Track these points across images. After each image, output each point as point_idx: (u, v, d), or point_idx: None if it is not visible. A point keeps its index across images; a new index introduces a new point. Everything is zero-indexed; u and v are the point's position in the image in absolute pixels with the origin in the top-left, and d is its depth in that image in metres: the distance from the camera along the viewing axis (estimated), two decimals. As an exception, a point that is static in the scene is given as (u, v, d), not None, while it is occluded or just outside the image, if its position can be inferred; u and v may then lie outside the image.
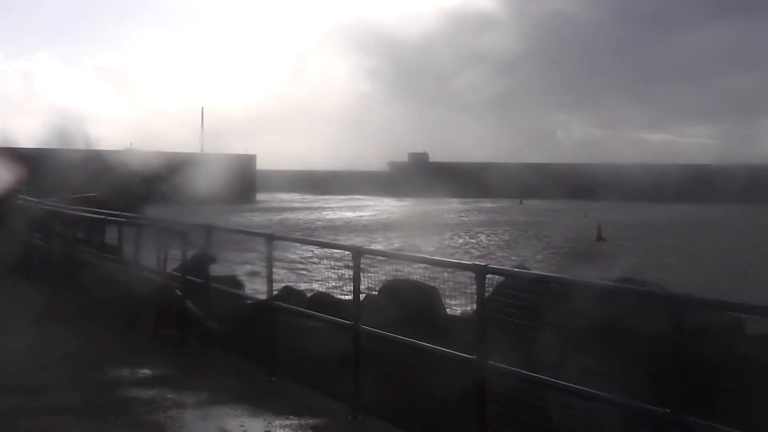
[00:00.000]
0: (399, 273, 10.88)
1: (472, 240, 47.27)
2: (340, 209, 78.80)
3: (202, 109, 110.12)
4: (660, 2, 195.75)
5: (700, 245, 40.94)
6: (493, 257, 35.66)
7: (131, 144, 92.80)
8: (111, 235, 15.51)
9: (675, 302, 6.05)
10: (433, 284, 11.42)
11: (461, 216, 69.52)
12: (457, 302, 10.18)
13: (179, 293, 12.02)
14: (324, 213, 71.83)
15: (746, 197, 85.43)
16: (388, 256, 11.00)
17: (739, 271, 29.28)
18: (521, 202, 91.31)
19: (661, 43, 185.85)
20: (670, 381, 5.99)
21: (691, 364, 6.35)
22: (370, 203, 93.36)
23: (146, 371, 10.42)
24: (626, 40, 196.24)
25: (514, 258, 35.09)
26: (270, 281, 10.65)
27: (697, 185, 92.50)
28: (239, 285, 15.80)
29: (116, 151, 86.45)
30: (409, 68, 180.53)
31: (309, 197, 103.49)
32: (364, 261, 9.15)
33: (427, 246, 39.58)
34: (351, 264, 9.05)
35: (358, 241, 38.62)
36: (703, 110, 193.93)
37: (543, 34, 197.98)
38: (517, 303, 8.40)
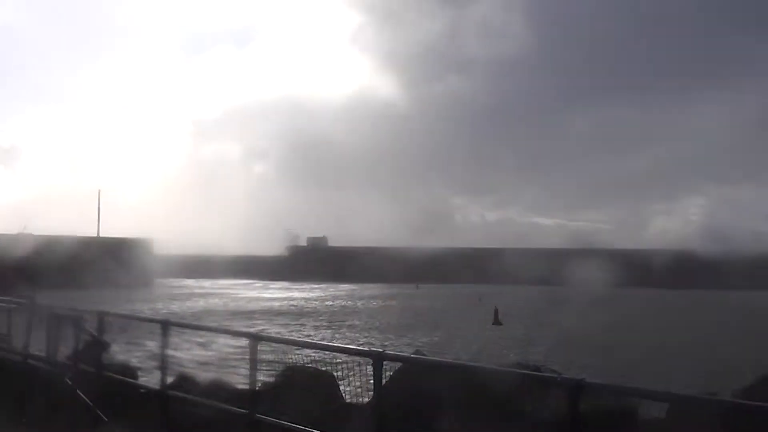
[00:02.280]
0: (296, 359, 10.79)
1: (368, 326, 47.20)
2: (238, 294, 77.85)
3: (99, 191, 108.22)
4: (549, 84, 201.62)
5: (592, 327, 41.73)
6: (391, 343, 35.55)
7: (24, 227, 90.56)
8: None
9: (568, 386, 6.15)
10: (331, 371, 11.36)
11: (358, 300, 69.34)
12: (355, 389, 10.13)
13: (70, 382, 11.69)
14: (222, 298, 70.82)
15: (639, 280, 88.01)
16: (285, 342, 10.94)
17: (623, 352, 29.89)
18: (417, 287, 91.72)
19: (556, 126, 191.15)
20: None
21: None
22: (269, 288, 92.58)
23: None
24: (521, 122, 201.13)
25: (411, 344, 35.13)
26: (165, 368, 10.45)
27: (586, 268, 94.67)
28: (133, 373, 15.41)
29: (9, 235, 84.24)
30: (307, 151, 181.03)
31: (206, 282, 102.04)
32: (261, 347, 9.06)
33: (327, 333, 39.47)
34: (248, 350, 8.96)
35: (255, 326, 38.20)
36: (593, 194, 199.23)
37: (440, 118, 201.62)
38: (414, 389, 8.40)
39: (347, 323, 46.53)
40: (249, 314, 51.03)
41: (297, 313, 53.17)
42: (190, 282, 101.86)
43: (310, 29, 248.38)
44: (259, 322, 44.54)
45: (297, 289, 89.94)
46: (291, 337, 19.36)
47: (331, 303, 65.45)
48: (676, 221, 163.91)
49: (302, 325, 44.45)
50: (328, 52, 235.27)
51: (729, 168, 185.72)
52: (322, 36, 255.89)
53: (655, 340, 35.16)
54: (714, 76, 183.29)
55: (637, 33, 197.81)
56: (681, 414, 10.55)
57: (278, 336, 14.91)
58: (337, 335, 39.03)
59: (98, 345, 11.78)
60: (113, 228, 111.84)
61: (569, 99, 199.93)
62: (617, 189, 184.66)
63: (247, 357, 9.24)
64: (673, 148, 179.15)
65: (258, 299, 70.54)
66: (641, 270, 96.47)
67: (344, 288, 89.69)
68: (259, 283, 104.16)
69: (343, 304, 64.29)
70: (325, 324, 45.39)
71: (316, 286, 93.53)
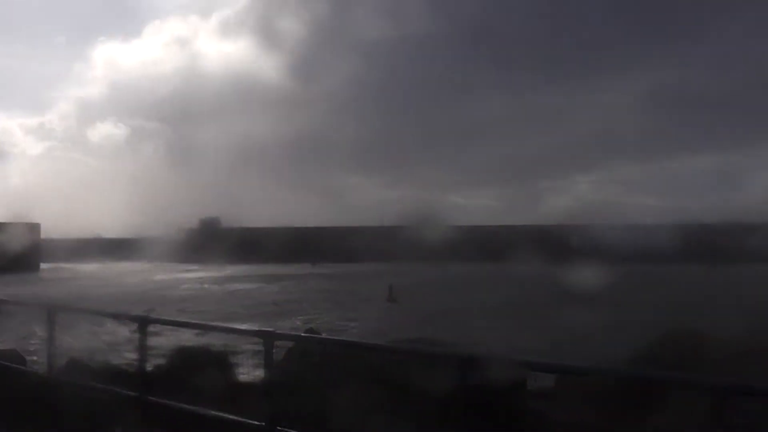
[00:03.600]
0: (187, 341, 10.68)
1: (264, 306, 46.93)
2: (129, 276, 76.53)
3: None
4: (450, 65, 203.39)
5: (487, 302, 42.41)
6: (287, 322, 35.45)
7: None
8: None
9: (457, 360, 6.22)
10: (224, 351, 11.26)
11: (253, 281, 68.89)
12: (249, 368, 10.04)
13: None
14: (112, 281, 69.49)
15: (532, 256, 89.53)
16: (175, 324, 10.80)
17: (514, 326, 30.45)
18: (313, 265, 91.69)
19: (453, 106, 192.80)
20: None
21: (478, 420, 6.52)
22: (162, 270, 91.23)
23: None
24: (417, 102, 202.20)
25: (305, 322, 35.10)
26: (52, 354, 10.22)
27: (483, 246, 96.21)
28: (21, 359, 15.03)
29: None
30: (197, 132, 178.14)
31: (97, 265, 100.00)
32: (153, 329, 8.92)
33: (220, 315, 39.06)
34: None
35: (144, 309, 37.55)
36: (489, 173, 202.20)
37: (334, 96, 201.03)
38: (308, 367, 8.38)
39: (241, 304, 46.19)
40: (140, 296, 50.17)
41: (187, 298, 52.45)
42: (79, 266, 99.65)
43: (198, 9, 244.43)
44: (148, 305, 43.84)
45: (190, 270, 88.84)
46: (181, 319, 19.10)
47: (220, 286, 64.80)
48: (568, 198, 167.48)
49: (188, 311, 43.76)
50: (217, 33, 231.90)
51: (618, 146, 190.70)
52: (210, 17, 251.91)
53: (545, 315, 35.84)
54: (615, 61, 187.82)
55: (541, 15, 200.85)
56: (568, 384, 10.84)
57: (168, 318, 14.67)
58: (231, 317, 38.71)
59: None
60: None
61: (470, 81, 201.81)
62: (516, 167, 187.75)
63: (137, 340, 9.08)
64: (570, 129, 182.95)
65: (147, 282, 69.48)
66: (549, 246, 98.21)
67: (240, 269, 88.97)
68: (149, 265, 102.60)
69: (239, 287, 63.75)
70: (212, 308, 44.88)
71: (210, 267, 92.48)
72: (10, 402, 10.96)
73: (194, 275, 78.69)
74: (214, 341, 10.13)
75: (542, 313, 35.30)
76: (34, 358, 16.56)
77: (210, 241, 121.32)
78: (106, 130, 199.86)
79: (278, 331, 7.86)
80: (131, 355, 10.37)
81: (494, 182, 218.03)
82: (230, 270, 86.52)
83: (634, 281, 50.70)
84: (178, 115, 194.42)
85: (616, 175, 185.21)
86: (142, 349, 8.67)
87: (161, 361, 11.90)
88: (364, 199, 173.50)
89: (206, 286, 64.01)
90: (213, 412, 8.01)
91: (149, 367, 9.09)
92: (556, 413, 10.67)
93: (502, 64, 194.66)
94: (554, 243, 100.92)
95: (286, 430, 7.11)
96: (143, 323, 8.75)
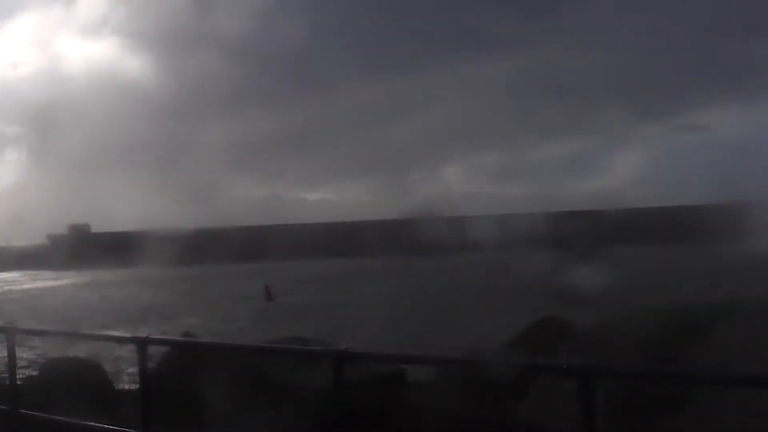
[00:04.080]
0: (60, 351, 10.46)
1: (140, 311, 46.11)
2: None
3: None
4: (315, 57, 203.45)
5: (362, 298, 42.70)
6: (159, 326, 34.97)
7: None
8: None
9: (332, 356, 6.32)
10: (98, 360, 11.08)
11: (127, 286, 67.58)
12: (126, 376, 9.91)
13: None
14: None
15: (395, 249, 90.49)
16: (45, 333, 10.57)
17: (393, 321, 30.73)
18: (189, 266, 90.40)
19: (316, 99, 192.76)
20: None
21: (352, 415, 6.62)
22: (29, 279, 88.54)
23: None
24: (280, 96, 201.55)
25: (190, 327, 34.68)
26: None
27: (348, 241, 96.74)
28: None
29: None
30: (58, 135, 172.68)
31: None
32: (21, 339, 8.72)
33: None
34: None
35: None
36: (356, 167, 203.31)
37: (195, 92, 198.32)
38: (182, 372, 8.34)
39: (123, 312, 45.24)
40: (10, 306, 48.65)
41: (56, 306, 50.98)
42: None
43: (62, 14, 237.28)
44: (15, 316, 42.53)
45: (56, 278, 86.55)
46: (51, 329, 18.63)
47: (97, 293, 63.36)
48: (437, 188, 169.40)
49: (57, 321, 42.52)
50: (79, 35, 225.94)
51: (481, 136, 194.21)
52: (73, 19, 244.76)
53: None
54: (477, 49, 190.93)
55: (406, 3, 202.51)
56: (447, 376, 11.09)
57: (37, 328, 14.30)
58: (108, 325, 37.89)
59: None
60: None
61: (335, 72, 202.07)
62: (381, 160, 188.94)
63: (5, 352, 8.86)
64: (434, 118, 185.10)
65: (12, 291, 67.46)
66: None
67: (112, 274, 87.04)
68: (18, 273, 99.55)
69: (114, 292, 62.41)
70: (87, 314, 43.81)
71: (83, 273, 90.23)
72: None
73: (67, 282, 76.72)
74: (88, 350, 9.95)
75: (418, 305, 35.88)
76: None
77: (81, 247, 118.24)
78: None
79: (153, 336, 7.79)
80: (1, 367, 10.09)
81: (361, 176, 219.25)
82: (105, 275, 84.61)
83: (502, 269, 51.65)
84: (40, 118, 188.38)
85: (481, 165, 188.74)
86: (11, 361, 8.46)
87: (34, 372, 11.65)
88: (236, 198, 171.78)
89: (77, 293, 62.47)
90: (87, 423, 7.89)
91: (20, 379, 8.88)
92: (436, 404, 10.89)
93: (363, 56, 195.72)
94: (416, 236, 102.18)
95: (163, 435, 7.08)
96: (10, 333, 8.54)
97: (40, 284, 77.06)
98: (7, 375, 8.78)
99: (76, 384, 12.34)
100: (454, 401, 10.35)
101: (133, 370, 7.73)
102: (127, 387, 12.14)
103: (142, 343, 7.31)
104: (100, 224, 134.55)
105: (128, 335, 8.14)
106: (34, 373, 11.91)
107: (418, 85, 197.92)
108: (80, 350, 10.59)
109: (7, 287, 72.97)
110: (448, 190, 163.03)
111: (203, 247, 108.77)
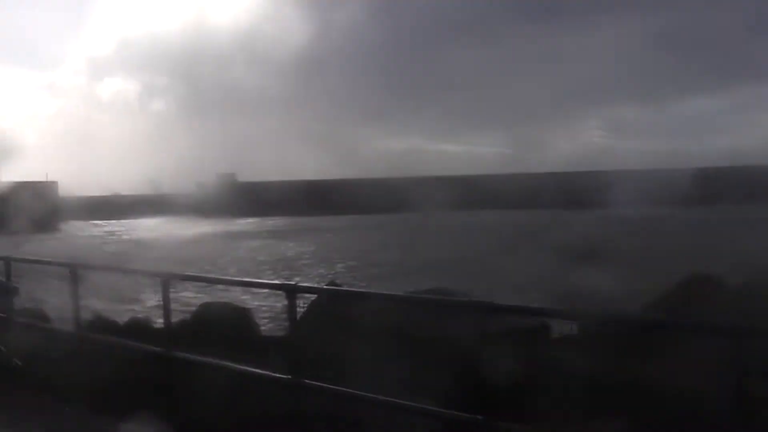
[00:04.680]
0: (212, 296, 10.75)
1: (288, 257, 47.12)
2: (148, 233, 76.76)
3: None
4: (445, 14, 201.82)
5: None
6: (308, 274, 35.66)
7: None
8: None
9: (479, 309, 6.26)
10: (246, 306, 11.33)
11: (275, 236, 69.05)
12: (273, 322, 10.10)
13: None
14: (131, 237, 69.82)
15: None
16: (198, 280, 10.87)
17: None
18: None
19: (455, 54, 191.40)
20: (481, 388, 6.19)
21: (498, 370, 6.57)
22: (180, 225, 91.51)
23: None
24: (420, 50, 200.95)
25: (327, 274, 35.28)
26: (76, 311, 10.31)
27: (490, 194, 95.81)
28: (47, 318, 15.14)
29: None
30: (206, 86, 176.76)
31: (114, 222, 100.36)
32: (177, 286, 9.00)
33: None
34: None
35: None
36: (495, 119, 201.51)
37: (340, 47, 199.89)
38: (330, 320, 8.45)
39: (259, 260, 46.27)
40: (160, 252, 50.37)
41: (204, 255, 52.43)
42: (100, 222, 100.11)
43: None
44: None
45: (212, 224, 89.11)
46: (203, 275, 19.21)
47: (238, 242, 64.90)
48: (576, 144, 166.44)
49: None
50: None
51: (622, 90, 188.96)
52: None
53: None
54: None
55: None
56: (589, 331, 10.88)
57: (191, 274, 14.73)
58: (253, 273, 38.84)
59: (7, 290, 11.54)
60: (13, 172, 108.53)
61: (465, 29, 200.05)
62: (516, 114, 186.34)
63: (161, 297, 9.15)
64: (570, 73, 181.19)
65: (170, 233, 69.71)
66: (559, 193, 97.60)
67: (269, 222, 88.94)
68: (169, 220, 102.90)
69: (257, 242, 63.78)
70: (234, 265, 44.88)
71: (238, 221, 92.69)
72: (39, 359, 11.09)
73: (212, 229, 78.89)
74: (236, 297, 10.19)
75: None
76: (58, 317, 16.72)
77: (227, 195, 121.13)
78: (116, 87, 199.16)
79: (301, 284, 7.90)
80: (155, 312, 10.46)
81: (494, 129, 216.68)
82: (251, 224, 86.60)
83: (641, 229, 50.36)
84: (187, 69, 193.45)
85: (622, 120, 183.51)
86: (167, 305, 8.74)
87: (186, 317, 12.01)
88: (374, 150, 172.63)
89: (222, 241, 64.11)
90: (239, 366, 8.09)
91: (174, 322, 9.17)
92: (578, 360, 10.72)
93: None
94: (561, 191, 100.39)
95: (311, 382, 7.18)
96: (165, 280, 8.81)
97: (187, 231, 79.47)
98: (162, 319, 9.08)
99: (226, 329, 12.70)
100: (596, 358, 10.15)
101: (279, 317, 7.86)
102: (273, 334, 12.37)
103: (291, 291, 7.42)
104: (245, 174, 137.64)
105: (278, 282, 8.28)
106: (187, 318, 12.27)
107: (561, 38, 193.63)
108: (227, 297, 10.83)
109: (155, 234, 75.44)
110: (590, 144, 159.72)
111: (347, 197, 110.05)
